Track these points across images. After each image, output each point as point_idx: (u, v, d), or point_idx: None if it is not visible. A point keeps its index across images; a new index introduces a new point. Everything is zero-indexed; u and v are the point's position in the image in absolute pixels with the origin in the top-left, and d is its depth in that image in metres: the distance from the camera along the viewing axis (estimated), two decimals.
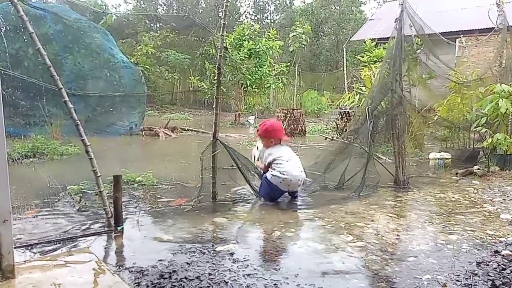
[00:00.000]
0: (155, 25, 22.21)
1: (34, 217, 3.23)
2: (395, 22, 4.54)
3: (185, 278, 2.16)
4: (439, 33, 5.34)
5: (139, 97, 9.64)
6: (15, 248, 2.06)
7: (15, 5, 2.64)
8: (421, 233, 2.95)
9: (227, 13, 3.59)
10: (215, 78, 3.75)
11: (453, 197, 4.00)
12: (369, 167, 4.23)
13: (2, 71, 6.96)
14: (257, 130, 4.15)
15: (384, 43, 10.12)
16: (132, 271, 2.26)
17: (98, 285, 2.03)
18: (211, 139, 3.68)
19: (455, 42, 10.01)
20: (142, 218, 3.24)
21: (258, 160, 4.14)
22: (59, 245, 2.65)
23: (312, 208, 3.60)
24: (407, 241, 2.79)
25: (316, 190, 4.24)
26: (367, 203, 3.76)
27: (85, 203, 3.58)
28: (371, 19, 17.76)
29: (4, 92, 1.95)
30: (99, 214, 3.25)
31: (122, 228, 2.91)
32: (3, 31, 7.46)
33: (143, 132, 9.26)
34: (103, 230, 2.89)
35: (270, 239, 2.78)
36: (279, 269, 2.31)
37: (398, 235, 2.90)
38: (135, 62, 14.65)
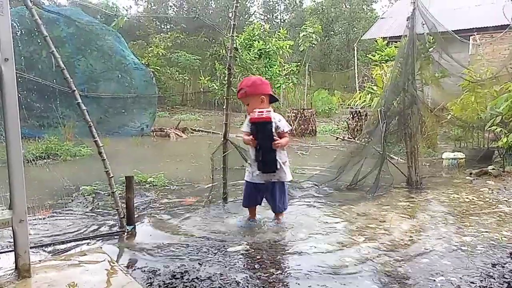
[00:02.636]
0: (165, 27, 22.40)
1: (48, 217, 3.29)
2: (407, 20, 4.48)
3: (197, 278, 2.17)
4: (452, 31, 5.26)
5: (150, 98, 9.74)
6: (30, 248, 2.10)
7: (30, 9, 2.68)
8: (435, 234, 2.90)
9: (237, 13, 3.59)
10: (225, 78, 3.76)
11: (467, 198, 3.93)
12: (382, 167, 4.19)
13: (18, 74, 7.09)
14: (240, 92, 2.98)
15: (396, 42, 10.01)
16: (144, 271, 2.28)
17: (111, 285, 2.05)
18: (222, 139, 3.69)
19: (469, 40, 9.84)
20: (153, 218, 3.27)
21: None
22: (72, 245, 2.69)
23: (324, 209, 3.58)
24: (420, 242, 2.75)
25: (328, 191, 4.21)
26: (379, 203, 3.73)
27: (98, 204, 3.63)
28: (382, 18, 17.61)
29: (19, 95, 1.99)
30: (112, 214, 3.29)
31: (134, 228, 2.94)
32: (18, 34, 7.60)
33: (154, 133, 9.34)
34: (115, 231, 2.92)
35: (282, 240, 2.77)
36: (291, 270, 2.30)
37: (411, 236, 2.86)
38: (146, 63, 14.79)
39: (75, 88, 2.91)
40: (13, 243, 2.00)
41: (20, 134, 1.99)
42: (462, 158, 5.53)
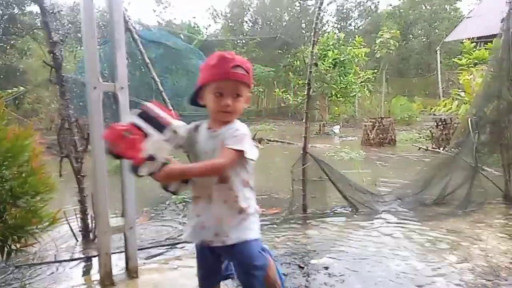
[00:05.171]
0: (240, 41, 23.32)
1: (146, 223, 3.66)
2: (501, 22, 4.14)
3: None
4: None
5: None
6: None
7: (136, 40, 3.07)
8: None
9: (317, 30, 3.67)
10: (302, 90, 3.84)
11: None
12: (475, 181, 3.89)
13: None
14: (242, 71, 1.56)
15: (485, 43, 9.23)
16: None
17: None
18: (301, 152, 3.76)
19: None
20: None
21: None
22: (168, 249, 2.97)
23: (410, 225, 3.43)
24: None
25: (412, 206, 4.01)
26: (472, 220, 3.46)
27: (188, 211, 3.93)
28: (468, 17, 16.29)
29: None
30: None
31: None
32: None
33: None
34: None
35: (366, 255, 2.73)
36: (376, 286, 2.27)
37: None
38: None
39: (172, 108, 3.23)
40: (124, 247, 2.29)
41: None
42: None
